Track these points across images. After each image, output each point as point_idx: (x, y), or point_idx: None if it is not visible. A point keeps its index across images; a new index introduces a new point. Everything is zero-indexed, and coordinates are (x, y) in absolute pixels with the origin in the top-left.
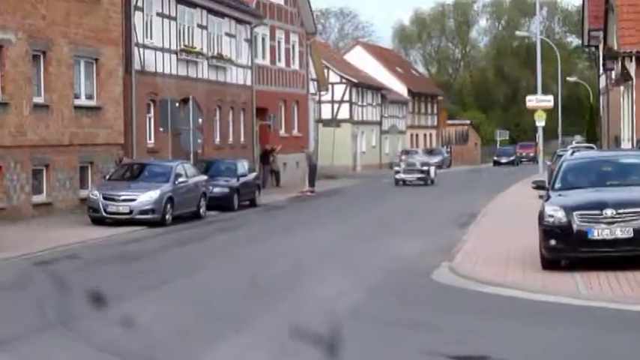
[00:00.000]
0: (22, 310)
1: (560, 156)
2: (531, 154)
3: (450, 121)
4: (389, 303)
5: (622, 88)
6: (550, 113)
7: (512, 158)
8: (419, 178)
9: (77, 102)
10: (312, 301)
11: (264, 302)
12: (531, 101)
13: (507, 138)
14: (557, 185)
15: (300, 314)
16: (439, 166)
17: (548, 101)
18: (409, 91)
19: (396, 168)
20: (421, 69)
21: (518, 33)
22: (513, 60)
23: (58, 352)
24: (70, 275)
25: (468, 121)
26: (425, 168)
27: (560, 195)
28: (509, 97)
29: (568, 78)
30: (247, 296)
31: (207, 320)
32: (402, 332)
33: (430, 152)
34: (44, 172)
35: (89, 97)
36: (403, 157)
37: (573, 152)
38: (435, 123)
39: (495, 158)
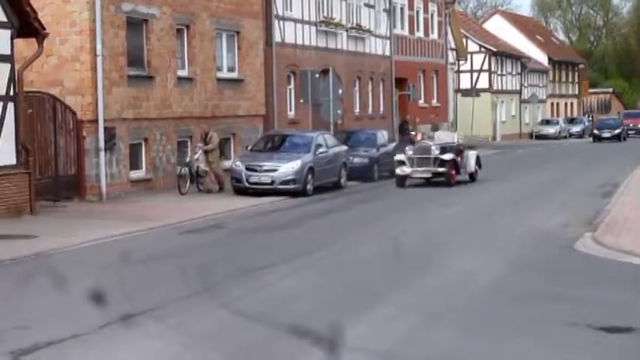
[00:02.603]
0: (168, 278)
1: None
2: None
3: (591, 90)
4: (532, 275)
5: None
6: None
7: (617, 131)
8: (436, 175)
9: (219, 74)
10: (453, 274)
11: (405, 274)
12: None
13: None
14: None
15: (442, 287)
16: (580, 135)
17: None
18: (549, 60)
19: (399, 157)
20: (562, 37)
21: None
22: None
23: (203, 320)
24: (214, 245)
25: (611, 90)
26: (447, 157)
27: None
28: None
29: None
30: (388, 267)
31: (348, 290)
32: (545, 305)
33: (571, 121)
34: (188, 143)
35: (231, 69)
36: (418, 138)
37: None
38: (576, 92)
39: (595, 132)
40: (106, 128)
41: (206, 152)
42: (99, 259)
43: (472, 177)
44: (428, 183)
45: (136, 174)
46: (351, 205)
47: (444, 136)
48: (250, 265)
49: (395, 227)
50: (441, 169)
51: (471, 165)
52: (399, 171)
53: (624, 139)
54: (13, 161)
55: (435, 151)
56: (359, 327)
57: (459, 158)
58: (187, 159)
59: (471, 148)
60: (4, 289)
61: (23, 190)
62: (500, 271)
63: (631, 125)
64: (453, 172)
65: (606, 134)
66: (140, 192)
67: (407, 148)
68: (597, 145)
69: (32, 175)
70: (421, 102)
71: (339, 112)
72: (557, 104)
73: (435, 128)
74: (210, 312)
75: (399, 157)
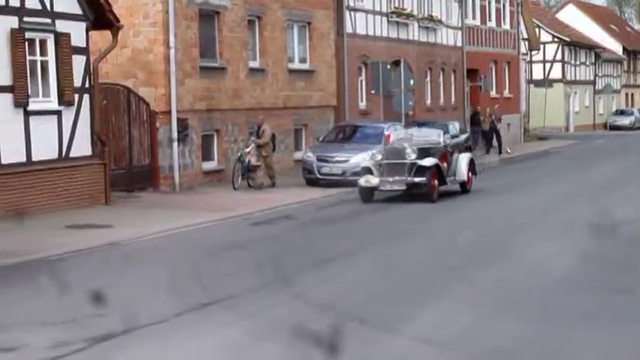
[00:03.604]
0: (240, 268)
1: None
2: None
3: None
4: (605, 267)
5: None
6: None
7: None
8: (413, 186)
9: (291, 65)
10: (525, 264)
11: (476, 263)
12: None
13: None
14: None
15: (511, 277)
16: None
17: None
18: (624, 49)
19: (365, 163)
20: (637, 26)
21: None
22: None
23: (274, 309)
24: (285, 235)
25: None
26: (427, 162)
27: None
28: None
29: None
30: (462, 255)
31: (416, 282)
32: (617, 299)
33: (621, 113)
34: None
35: (302, 60)
36: (392, 139)
37: None
38: None
39: (610, 120)
40: (178, 119)
41: (259, 146)
42: (172, 248)
43: (463, 187)
44: (405, 196)
45: (208, 165)
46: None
47: (425, 135)
48: (321, 255)
49: (470, 215)
50: (418, 179)
51: (462, 171)
52: (363, 182)
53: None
54: (89, 152)
55: (411, 155)
56: (423, 318)
57: (445, 164)
58: (239, 153)
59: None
60: (80, 277)
61: (98, 181)
62: (572, 260)
63: None
64: (435, 182)
65: (619, 122)
66: (212, 183)
67: (375, 151)
68: None
69: (107, 166)
70: (493, 93)
71: (410, 103)
72: (632, 94)
73: (498, 118)
74: (282, 302)
75: (364, 162)
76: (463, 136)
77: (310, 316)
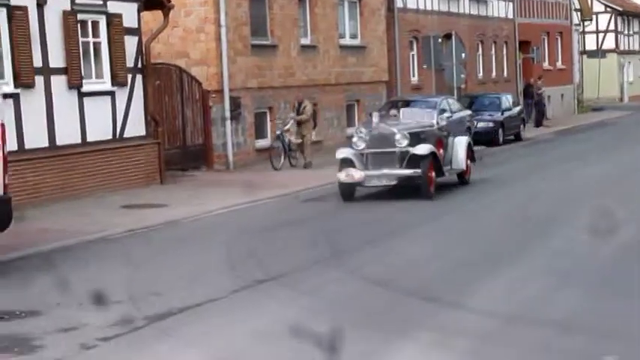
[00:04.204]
0: (294, 245)
1: None
2: None
3: None
4: None
5: None
6: None
7: None
8: (405, 180)
9: (342, 42)
10: (583, 237)
11: (534, 236)
12: None
13: None
14: None
15: (570, 251)
16: None
17: None
18: None
19: (341, 153)
20: None
21: None
22: None
23: (330, 285)
24: (338, 212)
25: None
26: (422, 150)
27: None
28: None
29: None
30: (519, 230)
31: (479, 254)
32: None
33: None
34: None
35: (353, 36)
36: (374, 120)
37: None
38: None
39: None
40: (231, 98)
41: (299, 123)
42: (227, 226)
43: (462, 177)
44: (394, 191)
45: (261, 143)
46: (482, 169)
47: (415, 116)
48: (375, 232)
49: (524, 189)
50: (410, 172)
51: (460, 159)
52: (343, 176)
53: None
54: (143, 132)
55: (402, 141)
56: (484, 291)
57: (441, 150)
58: (278, 131)
59: (597, 110)
60: (137, 257)
61: (153, 160)
62: (633, 234)
63: None
64: (432, 174)
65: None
66: (265, 161)
67: (357, 136)
68: None
69: (161, 146)
70: (545, 64)
71: (462, 76)
72: None
73: (539, 88)
74: (338, 278)
75: (341, 152)
76: (516, 109)
77: (369, 291)
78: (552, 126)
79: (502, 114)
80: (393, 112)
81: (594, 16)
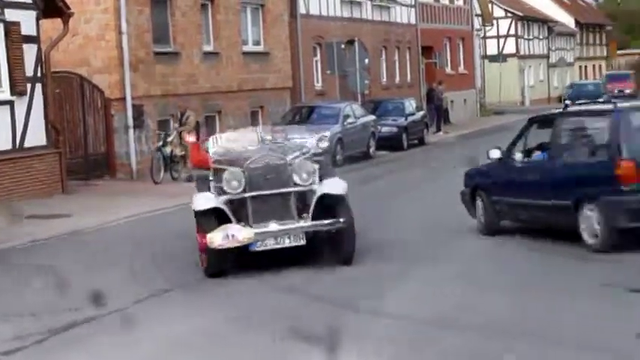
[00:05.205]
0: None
1: None
2: (628, 91)
3: (620, 52)
4: None
5: None
6: None
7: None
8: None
9: (245, 48)
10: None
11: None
12: None
13: None
14: None
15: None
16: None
17: None
18: (576, 22)
19: (208, 203)
20: None
21: None
22: None
23: (238, 294)
24: None
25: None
26: (336, 190)
27: None
28: None
29: None
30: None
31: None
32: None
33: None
34: (216, 118)
35: (256, 43)
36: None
37: None
38: (605, 54)
39: (567, 101)
40: (134, 106)
41: (181, 134)
42: (133, 235)
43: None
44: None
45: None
46: (383, 175)
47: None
48: None
49: (431, 193)
50: (327, 222)
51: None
52: (218, 239)
53: None
54: (44, 141)
55: (303, 175)
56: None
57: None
58: (159, 142)
59: (498, 113)
60: (42, 267)
61: (54, 170)
62: None
63: (616, 91)
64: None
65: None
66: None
67: (227, 174)
68: None
69: (63, 155)
70: (448, 69)
71: (366, 82)
72: (586, 67)
73: (442, 93)
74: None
75: (201, 201)
76: (420, 114)
77: (276, 299)
78: (451, 131)
79: (406, 119)
80: (277, 127)
81: (495, 21)
